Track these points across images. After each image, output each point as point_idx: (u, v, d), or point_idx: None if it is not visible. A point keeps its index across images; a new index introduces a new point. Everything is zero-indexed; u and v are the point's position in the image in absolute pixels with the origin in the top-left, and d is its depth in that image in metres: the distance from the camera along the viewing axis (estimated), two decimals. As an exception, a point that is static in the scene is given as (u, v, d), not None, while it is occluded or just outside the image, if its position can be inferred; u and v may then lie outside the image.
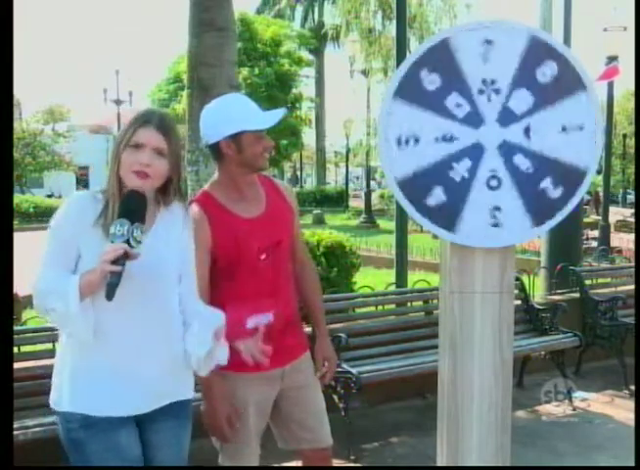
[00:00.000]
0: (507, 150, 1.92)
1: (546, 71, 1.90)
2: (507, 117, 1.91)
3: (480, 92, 1.91)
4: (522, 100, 1.91)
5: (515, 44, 1.90)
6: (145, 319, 1.85)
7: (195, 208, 2.18)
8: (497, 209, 1.93)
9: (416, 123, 1.92)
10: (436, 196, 1.93)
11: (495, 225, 1.94)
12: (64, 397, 1.88)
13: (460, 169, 1.92)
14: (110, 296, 1.70)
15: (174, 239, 1.93)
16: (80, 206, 1.85)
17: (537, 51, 1.90)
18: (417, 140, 1.92)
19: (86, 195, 1.88)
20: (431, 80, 1.90)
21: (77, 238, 1.81)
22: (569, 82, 1.91)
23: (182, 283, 1.95)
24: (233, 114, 2.20)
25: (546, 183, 1.93)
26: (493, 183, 1.93)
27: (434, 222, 1.95)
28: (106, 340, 1.81)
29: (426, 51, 1.91)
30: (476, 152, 1.92)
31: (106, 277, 1.69)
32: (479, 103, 1.91)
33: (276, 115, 2.22)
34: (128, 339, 1.84)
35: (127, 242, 1.71)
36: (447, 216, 1.94)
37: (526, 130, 1.92)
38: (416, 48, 1.98)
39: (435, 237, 2.63)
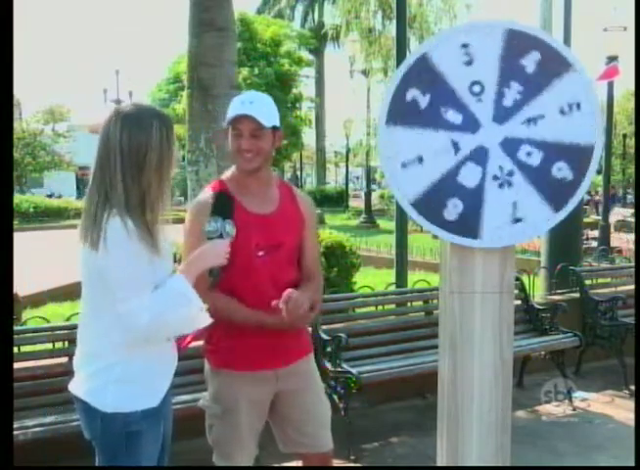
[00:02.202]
0: (510, 145, 1.93)
1: (530, 60, 1.90)
2: (502, 114, 1.92)
3: (471, 95, 1.91)
4: (512, 93, 1.91)
5: (492, 41, 1.90)
6: None
7: (207, 192, 2.29)
8: (514, 204, 1.94)
9: (415, 144, 1.93)
10: (453, 207, 1.94)
11: (517, 220, 1.94)
12: (124, 400, 1.85)
13: (469, 176, 1.93)
14: (215, 284, 2.03)
15: None
16: (132, 233, 1.78)
17: (516, 42, 1.90)
18: (420, 159, 1.93)
19: (129, 219, 1.78)
20: (419, 99, 1.91)
21: (148, 257, 1.80)
22: (554, 65, 1.91)
23: None
24: (230, 108, 2.26)
25: (556, 168, 1.93)
26: (504, 181, 1.93)
27: (457, 234, 1.95)
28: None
29: (407, 71, 1.92)
30: (480, 155, 1.93)
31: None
32: (471, 107, 1.91)
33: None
34: None
35: (220, 236, 2.00)
36: (469, 225, 1.94)
37: (526, 121, 1.92)
38: (394, 72, 1.98)
39: (435, 237, 2.63)
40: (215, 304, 2.11)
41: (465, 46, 1.90)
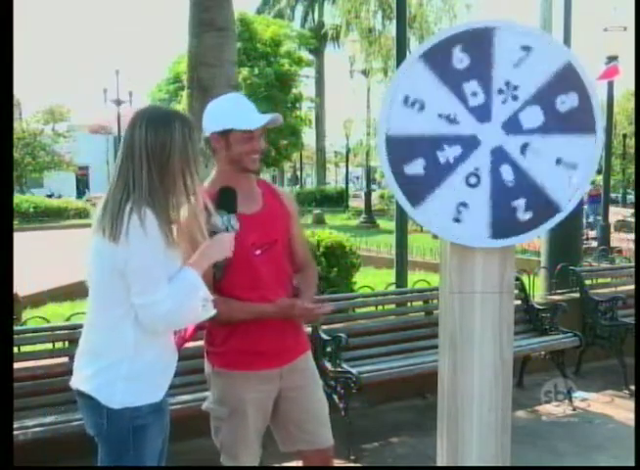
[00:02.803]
0: (499, 156, 1.92)
1: (566, 101, 1.90)
2: (512, 126, 1.91)
3: (500, 92, 1.90)
4: (533, 116, 1.90)
5: (550, 62, 1.89)
6: None
7: None
8: (464, 205, 1.93)
9: (429, 91, 1.90)
10: (416, 167, 1.92)
11: (456, 220, 1.94)
12: (132, 395, 1.88)
13: (448, 153, 1.91)
14: (222, 277, 2.11)
15: None
16: (155, 228, 1.83)
17: (567, 77, 1.90)
18: (422, 107, 1.91)
19: (152, 214, 1.84)
20: (460, 59, 1.89)
21: (165, 250, 1.85)
22: (582, 121, 1.91)
23: None
24: (226, 111, 2.29)
25: (519, 203, 1.93)
26: (472, 180, 1.92)
27: (402, 190, 1.94)
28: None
29: (468, 30, 1.90)
30: (470, 144, 1.91)
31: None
32: (494, 101, 1.90)
33: (264, 118, 2.27)
34: None
35: (226, 229, 2.06)
36: (417, 191, 1.93)
37: (524, 146, 1.91)
38: (458, 24, 1.96)
39: (435, 237, 2.63)
40: (216, 307, 2.11)
41: (526, 49, 1.88)
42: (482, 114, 1.91)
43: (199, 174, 1.95)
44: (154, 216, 1.81)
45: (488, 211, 1.93)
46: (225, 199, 2.16)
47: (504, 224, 1.94)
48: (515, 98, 1.90)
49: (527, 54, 1.89)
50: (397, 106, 1.91)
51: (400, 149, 1.92)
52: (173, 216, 1.89)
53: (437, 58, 1.89)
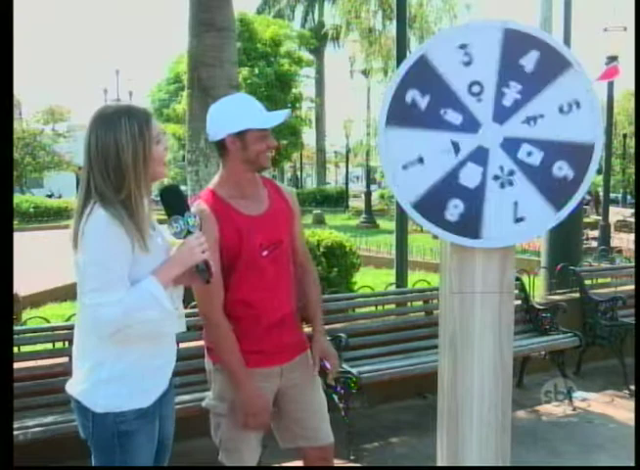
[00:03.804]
0: (510, 145, 1.93)
1: (529, 59, 1.90)
2: (502, 114, 1.92)
3: (470, 95, 1.91)
4: (512, 93, 1.91)
5: (491, 41, 1.90)
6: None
7: (201, 204, 2.25)
8: (516, 204, 1.94)
9: (415, 144, 1.93)
10: (454, 208, 1.94)
11: (519, 220, 1.95)
12: (114, 399, 1.85)
13: (470, 176, 1.93)
14: (210, 278, 1.89)
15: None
16: (119, 221, 1.79)
17: (515, 41, 1.90)
18: (421, 160, 1.93)
19: (110, 218, 1.79)
20: (419, 100, 1.91)
21: (130, 251, 1.79)
22: (553, 63, 1.91)
23: None
24: (239, 112, 2.27)
25: (557, 167, 1.93)
26: (505, 180, 1.93)
27: (458, 234, 1.95)
28: (169, 334, 1.94)
29: (406, 72, 1.92)
30: (480, 155, 1.93)
31: (192, 268, 1.87)
32: (471, 108, 1.91)
33: (280, 115, 2.30)
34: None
35: (189, 232, 1.87)
36: (470, 225, 1.94)
37: (525, 121, 1.92)
38: (394, 73, 1.98)
39: (435, 237, 2.63)
40: (219, 325, 2.23)
41: (463, 46, 1.90)
42: (471, 125, 1.92)
43: (166, 166, 1.91)
44: (110, 217, 1.76)
45: (539, 194, 1.94)
46: (171, 202, 1.91)
47: (559, 193, 1.95)
48: (485, 92, 1.91)
49: (467, 49, 1.90)
50: (401, 175, 1.95)
51: (430, 205, 1.96)
52: (135, 214, 1.79)
53: (400, 114, 1.93)
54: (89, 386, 1.87)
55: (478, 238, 1.95)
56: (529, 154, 1.93)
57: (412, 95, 1.91)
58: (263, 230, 2.29)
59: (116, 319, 1.74)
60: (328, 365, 2.47)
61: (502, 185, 1.93)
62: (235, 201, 2.29)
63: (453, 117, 1.91)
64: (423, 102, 1.91)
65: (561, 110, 1.92)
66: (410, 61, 1.93)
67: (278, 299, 2.32)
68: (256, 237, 2.26)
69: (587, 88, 1.93)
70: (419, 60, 1.91)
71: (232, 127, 2.24)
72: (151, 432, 1.92)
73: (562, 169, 1.93)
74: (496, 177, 1.93)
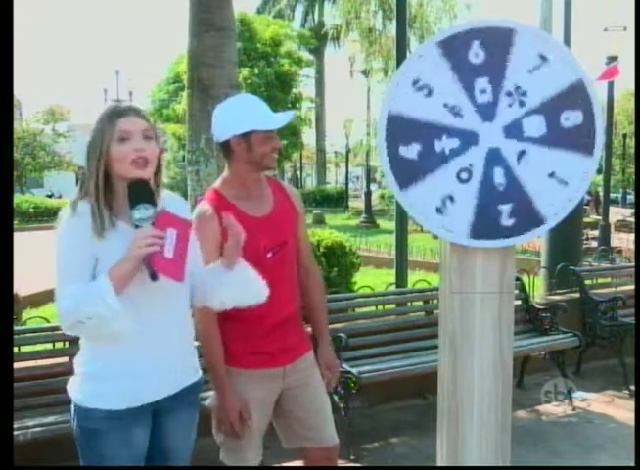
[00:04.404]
0: (494, 157, 1.92)
1: (571, 118, 1.90)
2: (513, 131, 1.91)
3: (508, 94, 1.90)
4: (535, 125, 1.90)
5: (562, 75, 1.89)
6: (160, 311, 1.89)
7: (205, 204, 2.26)
8: (451, 198, 1.93)
9: (440, 79, 1.90)
10: (412, 150, 1.92)
11: (438, 210, 1.93)
12: (86, 395, 1.89)
13: (445, 144, 1.91)
14: (155, 276, 1.76)
15: None
16: (80, 215, 1.84)
17: (576, 94, 1.90)
18: (430, 93, 1.90)
19: (71, 214, 1.86)
20: (476, 53, 1.89)
21: (89, 246, 1.82)
22: (582, 140, 1.91)
23: (195, 277, 1.98)
24: (245, 113, 2.26)
25: (505, 207, 1.93)
26: (463, 175, 1.92)
27: (393, 170, 1.93)
28: (123, 335, 1.83)
29: (490, 27, 1.90)
30: (469, 139, 1.91)
31: (141, 262, 1.76)
32: (500, 102, 1.90)
33: (285, 116, 2.30)
34: (146, 332, 1.87)
35: (153, 224, 1.79)
36: (407, 174, 1.93)
37: (521, 153, 1.91)
38: (479, 20, 1.95)
39: (435, 237, 2.63)
40: (209, 329, 2.22)
41: (543, 58, 1.89)
42: (487, 113, 1.91)
43: (137, 167, 1.84)
44: (71, 213, 1.83)
45: (472, 209, 1.93)
46: (139, 190, 1.83)
47: (485, 225, 1.94)
48: (521, 104, 1.90)
49: (543, 63, 1.89)
50: (405, 87, 1.91)
51: (400, 129, 1.92)
52: (101, 211, 1.82)
53: (454, 48, 1.90)
54: (73, 378, 1.95)
55: (401, 189, 1.93)
56: (499, 177, 1.91)
57: (476, 45, 1.89)
58: (268, 232, 2.29)
59: (68, 312, 1.77)
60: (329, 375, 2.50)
61: (457, 176, 1.91)
62: (239, 202, 2.29)
63: (483, 93, 1.90)
64: (477, 58, 1.89)
65: (551, 175, 1.91)
66: (496, 23, 1.90)
67: (282, 300, 2.31)
68: (260, 239, 2.25)
69: (585, 182, 1.92)
70: (505, 30, 1.89)
71: (237, 129, 2.24)
72: (125, 438, 1.88)
73: (507, 213, 1.92)
74: (460, 165, 1.91)
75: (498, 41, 1.89)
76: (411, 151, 1.92)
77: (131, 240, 1.76)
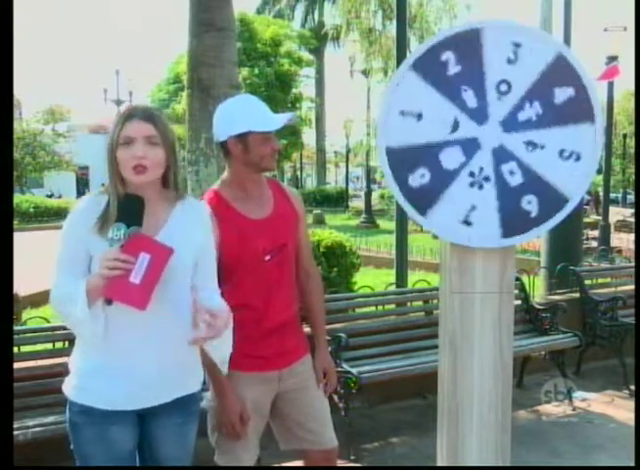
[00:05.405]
0: (501, 155, 1.91)
1: (563, 93, 1.90)
2: (511, 124, 1.91)
3: (495, 91, 1.90)
4: (531, 112, 1.90)
5: (541, 56, 1.89)
6: (153, 316, 1.82)
7: (204, 205, 2.23)
8: (473, 208, 1.93)
9: (424, 100, 1.90)
10: (420, 176, 1.92)
11: (466, 223, 1.94)
12: (68, 387, 1.96)
13: (451, 159, 1.91)
14: (109, 301, 1.74)
15: (190, 234, 1.92)
16: (84, 209, 1.88)
17: (560, 70, 1.89)
18: (420, 116, 1.91)
19: (90, 198, 1.92)
20: (451, 64, 1.89)
21: (85, 242, 1.84)
22: (580, 110, 1.91)
23: (198, 275, 1.95)
24: (242, 114, 2.24)
25: (527, 199, 1.93)
26: (478, 183, 1.92)
27: (410, 202, 1.94)
28: (108, 338, 1.83)
29: (454, 34, 1.90)
30: (471, 147, 1.92)
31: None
32: (489, 101, 1.90)
33: (284, 118, 2.27)
34: (130, 337, 1.85)
35: (110, 245, 1.75)
36: (424, 200, 1.93)
37: (525, 142, 1.91)
38: (442, 30, 1.96)
39: (435, 237, 2.63)
40: None
41: (517, 45, 1.88)
42: (480, 115, 1.91)
43: (137, 173, 1.83)
44: (80, 207, 1.87)
45: (497, 211, 1.93)
46: (126, 207, 1.80)
47: (515, 222, 1.94)
48: (510, 95, 1.90)
49: (518, 49, 1.88)
50: (395, 118, 1.91)
51: (402, 159, 1.92)
52: (109, 209, 1.84)
53: (428, 67, 1.90)
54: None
55: (422, 215, 1.94)
56: (512, 173, 1.91)
57: (447, 57, 1.88)
58: (266, 234, 2.26)
59: (53, 300, 1.85)
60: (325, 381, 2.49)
61: (471, 184, 1.92)
62: (239, 203, 2.27)
63: (470, 98, 1.90)
64: (453, 68, 1.89)
65: (561, 153, 1.91)
66: (463, 28, 1.90)
67: (280, 303, 2.30)
68: (258, 241, 2.23)
69: (595, 147, 1.92)
70: (471, 31, 1.89)
71: (233, 129, 2.21)
72: (101, 436, 1.88)
73: (530, 204, 1.93)
74: (471, 174, 1.91)
75: (468, 44, 1.89)
76: (419, 177, 1.92)
77: (99, 258, 1.76)
